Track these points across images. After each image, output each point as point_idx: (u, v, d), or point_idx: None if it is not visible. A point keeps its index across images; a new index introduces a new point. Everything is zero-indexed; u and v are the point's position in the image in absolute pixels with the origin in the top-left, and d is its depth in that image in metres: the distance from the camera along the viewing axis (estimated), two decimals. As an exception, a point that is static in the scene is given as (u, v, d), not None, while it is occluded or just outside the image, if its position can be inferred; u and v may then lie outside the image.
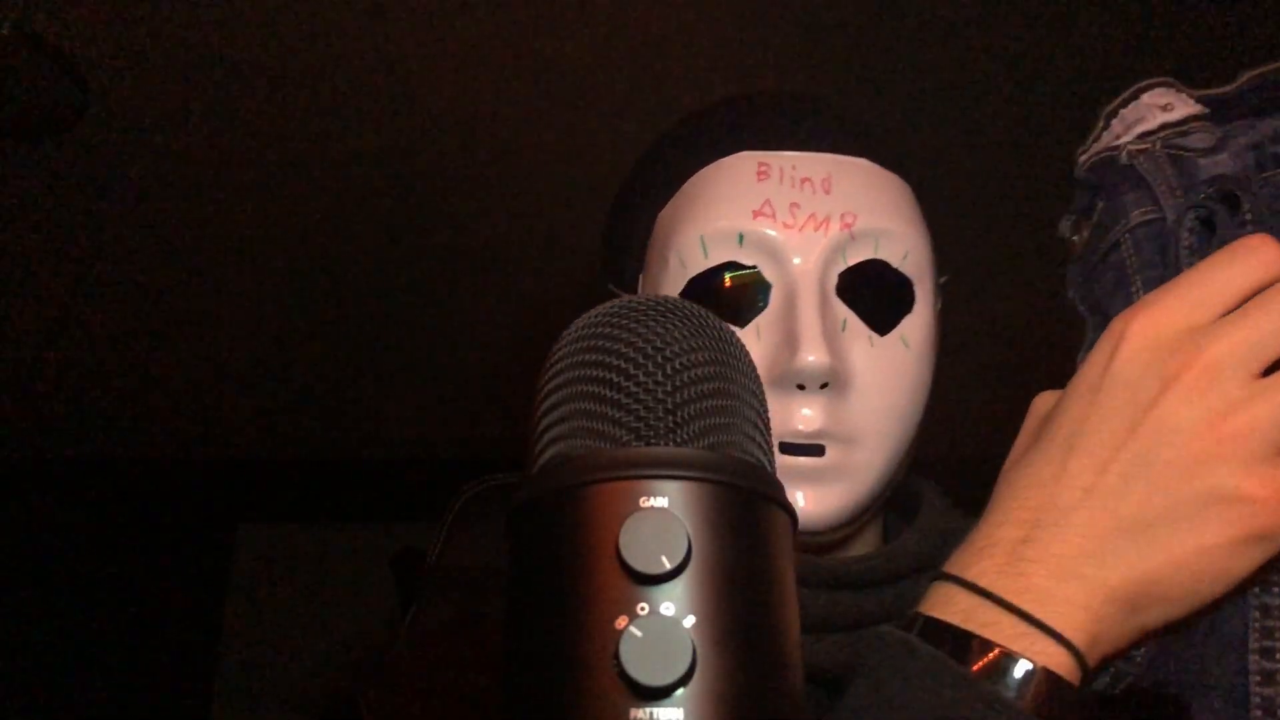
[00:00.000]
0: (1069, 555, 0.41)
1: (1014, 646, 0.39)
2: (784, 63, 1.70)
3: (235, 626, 2.67)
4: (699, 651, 0.29)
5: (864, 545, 0.71)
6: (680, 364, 0.35)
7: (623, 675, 0.28)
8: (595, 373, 0.35)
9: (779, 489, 0.34)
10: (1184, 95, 0.56)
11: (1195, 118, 0.55)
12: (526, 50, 1.68)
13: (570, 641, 0.30)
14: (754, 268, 0.66)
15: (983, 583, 0.41)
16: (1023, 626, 0.40)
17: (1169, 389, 0.41)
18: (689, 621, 0.29)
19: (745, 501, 0.32)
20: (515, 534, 0.33)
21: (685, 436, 0.34)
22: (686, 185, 0.70)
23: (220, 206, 1.99)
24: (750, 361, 0.38)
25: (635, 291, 0.72)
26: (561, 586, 0.31)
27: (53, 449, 2.76)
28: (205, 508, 2.78)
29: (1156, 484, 0.41)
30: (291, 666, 2.61)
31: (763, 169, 0.68)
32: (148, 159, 1.86)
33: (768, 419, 0.38)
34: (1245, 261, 0.43)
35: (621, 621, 0.29)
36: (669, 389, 0.34)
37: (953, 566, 0.44)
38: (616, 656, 0.28)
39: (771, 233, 0.66)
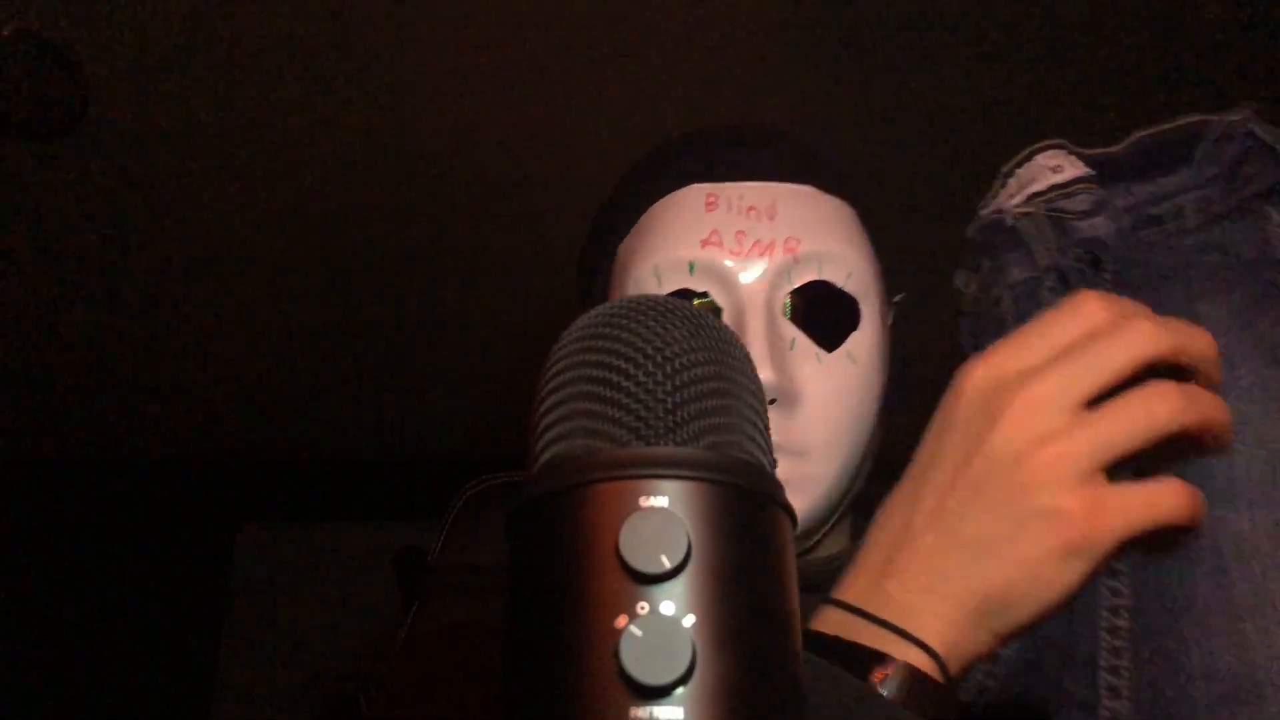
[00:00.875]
0: (922, 571, 0.46)
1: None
2: (768, 86, 1.71)
3: (236, 626, 2.67)
4: (699, 651, 0.29)
5: (835, 545, 0.75)
6: (680, 364, 0.35)
7: (622, 674, 0.28)
8: (595, 372, 0.35)
9: (779, 489, 0.34)
10: (1073, 157, 0.62)
11: (1081, 179, 0.60)
12: (528, 53, 1.68)
13: (570, 640, 0.30)
14: (705, 294, 0.70)
15: (851, 599, 0.47)
16: (886, 634, 0.45)
17: (996, 422, 0.46)
18: (689, 621, 0.29)
19: (745, 501, 0.32)
20: (515, 533, 0.33)
21: (685, 436, 0.34)
22: (643, 218, 0.75)
23: (220, 207, 1.99)
24: (750, 361, 0.38)
25: None
26: (561, 586, 0.31)
27: (53, 449, 2.76)
28: (206, 508, 2.78)
29: (989, 507, 0.46)
30: (292, 666, 2.61)
31: (710, 200, 0.72)
32: (148, 159, 1.87)
33: (767, 419, 0.38)
34: (1072, 314, 0.48)
35: (621, 621, 0.29)
36: (669, 389, 0.34)
37: (833, 590, 0.49)
38: (616, 655, 0.28)
39: (720, 260, 0.70)
